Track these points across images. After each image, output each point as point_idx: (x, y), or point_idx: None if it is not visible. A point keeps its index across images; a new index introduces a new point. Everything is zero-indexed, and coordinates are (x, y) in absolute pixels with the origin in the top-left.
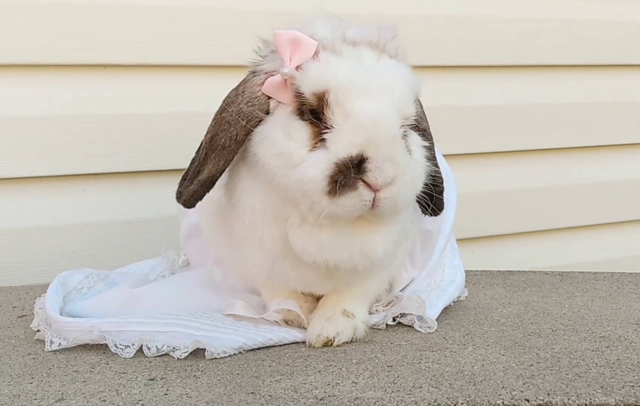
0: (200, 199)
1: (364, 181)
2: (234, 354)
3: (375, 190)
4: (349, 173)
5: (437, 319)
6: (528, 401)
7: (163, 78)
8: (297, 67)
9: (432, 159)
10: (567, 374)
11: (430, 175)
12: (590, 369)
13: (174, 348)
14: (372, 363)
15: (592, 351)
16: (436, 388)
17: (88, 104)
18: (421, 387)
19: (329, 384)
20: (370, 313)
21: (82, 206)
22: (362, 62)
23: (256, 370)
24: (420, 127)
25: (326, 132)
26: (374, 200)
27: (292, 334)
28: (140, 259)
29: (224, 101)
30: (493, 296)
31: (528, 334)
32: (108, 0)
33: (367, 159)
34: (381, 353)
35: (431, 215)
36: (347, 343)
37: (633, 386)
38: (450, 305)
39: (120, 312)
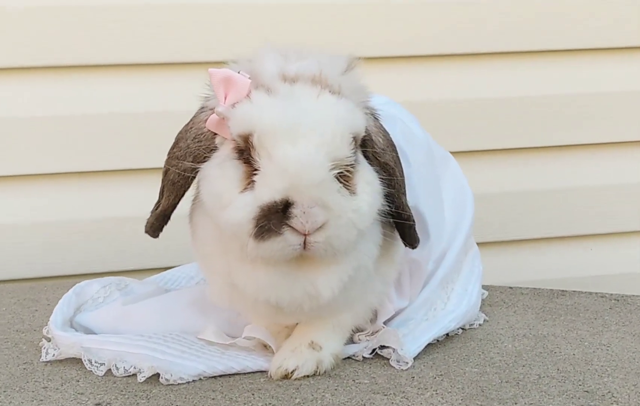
0: (159, 230)
1: (290, 226)
2: (192, 380)
3: (303, 234)
4: (274, 218)
5: (426, 350)
6: None
7: (170, 76)
8: (234, 106)
9: (394, 194)
10: None
11: (393, 210)
12: None
13: (139, 370)
14: (309, 405)
15: None
16: None
17: (110, 103)
18: None
19: None
20: (353, 342)
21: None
22: (297, 100)
23: (192, 400)
24: (381, 161)
25: (255, 174)
26: (305, 243)
27: (256, 364)
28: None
29: (176, 136)
30: (511, 324)
31: (506, 381)
32: (107, 2)
33: (292, 203)
34: (330, 394)
35: (409, 247)
36: (308, 376)
37: None
38: (456, 333)
39: (111, 328)
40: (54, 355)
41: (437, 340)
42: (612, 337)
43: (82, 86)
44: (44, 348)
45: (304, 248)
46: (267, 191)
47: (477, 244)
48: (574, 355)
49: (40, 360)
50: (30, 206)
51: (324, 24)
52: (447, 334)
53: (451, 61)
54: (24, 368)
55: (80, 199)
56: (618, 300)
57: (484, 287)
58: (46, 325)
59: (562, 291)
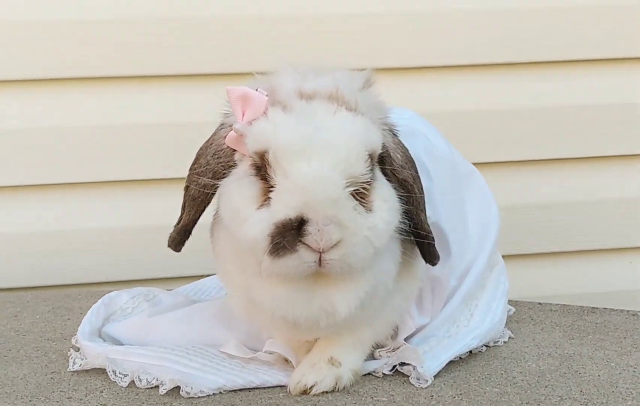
0: (181, 244)
1: (305, 243)
2: (212, 394)
3: (318, 252)
4: (289, 235)
5: (447, 368)
6: None
7: (185, 87)
8: (251, 123)
9: (412, 211)
10: None
11: (411, 228)
12: None
13: (161, 382)
14: None
15: None
16: None
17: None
18: None
19: None
20: (374, 358)
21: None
22: (313, 117)
23: None
24: (399, 178)
25: (271, 191)
26: (320, 261)
27: (276, 378)
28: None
29: (197, 152)
30: (537, 343)
31: (526, 402)
32: (130, 16)
33: (307, 221)
34: None
35: (429, 264)
36: (326, 392)
37: None
38: (479, 350)
39: (137, 339)
40: (80, 364)
41: (460, 357)
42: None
43: (114, 96)
44: (72, 357)
45: (319, 265)
46: (282, 208)
47: (511, 256)
48: (599, 376)
49: (68, 370)
50: (67, 214)
51: (345, 34)
52: (470, 352)
53: (478, 71)
54: (52, 378)
55: (112, 208)
56: None
57: (513, 302)
58: (75, 335)
59: (593, 308)
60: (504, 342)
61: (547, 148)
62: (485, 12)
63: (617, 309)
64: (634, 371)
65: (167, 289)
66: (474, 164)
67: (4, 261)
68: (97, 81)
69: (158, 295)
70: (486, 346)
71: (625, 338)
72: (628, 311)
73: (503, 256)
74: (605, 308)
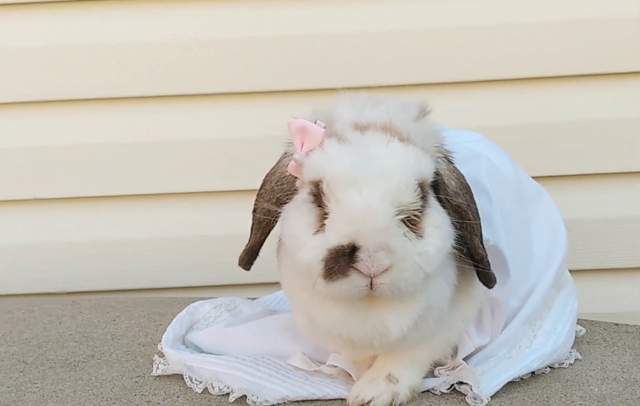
0: (250, 264)
1: (356, 269)
2: (276, 403)
3: (369, 277)
4: (342, 260)
5: (507, 389)
6: None
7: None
8: (309, 153)
9: (465, 236)
10: None
11: (465, 252)
12: None
13: (232, 390)
14: None
15: None
16: None
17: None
18: None
19: None
20: (434, 376)
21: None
22: (365, 149)
23: None
24: (453, 204)
25: (326, 218)
26: (372, 284)
27: (337, 391)
28: None
29: (264, 178)
30: (604, 366)
31: None
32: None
33: (359, 248)
34: None
35: (486, 287)
36: None
37: None
38: (543, 372)
39: (215, 347)
40: (162, 370)
41: (521, 378)
42: None
43: (178, 113)
44: (155, 363)
45: (371, 288)
46: (335, 235)
47: (597, 270)
48: None
49: (151, 374)
50: (160, 222)
51: (419, 49)
52: (533, 373)
53: (542, 84)
54: (136, 381)
55: (201, 218)
56: None
57: (588, 322)
58: (161, 342)
59: None
60: (570, 364)
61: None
62: (535, 25)
63: None
64: None
65: (249, 297)
66: (550, 177)
67: (108, 265)
68: (149, 99)
69: (239, 305)
70: (550, 367)
71: None
72: None
73: (582, 271)
74: None
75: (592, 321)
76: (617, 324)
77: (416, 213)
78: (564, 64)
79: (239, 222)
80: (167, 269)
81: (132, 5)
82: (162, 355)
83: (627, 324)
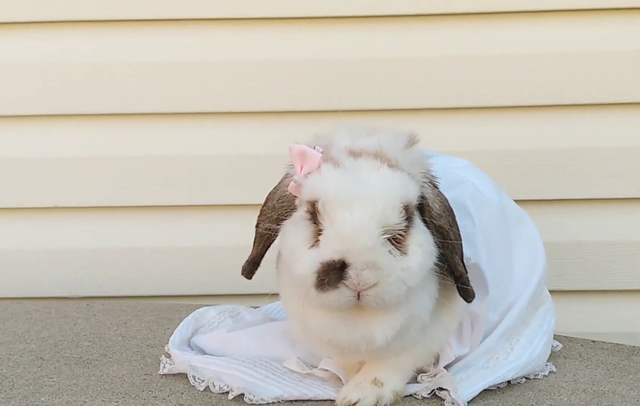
0: (252, 273)
1: (344, 283)
2: (271, 402)
3: (356, 290)
4: (333, 274)
5: (483, 396)
6: None
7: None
8: (307, 175)
9: (447, 255)
10: None
11: (443, 269)
12: None
13: (231, 389)
14: None
15: None
16: None
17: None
18: None
19: None
20: (417, 382)
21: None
22: (358, 173)
23: None
24: (436, 225)
25: (320, 234)
26: (359, 296)
27: (327, 393)
28: None
29: (267, 196)
30: (577, 378)
31: None
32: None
33: (349, 265)
34: None
35: (465, 301)
36: None
37: None
38: (518, 382)
39: (217, 350)
40: (169, 369)
41: (498, 387)
42: None
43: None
44: (162, 362)
45: (358, 299)
46: (328, 251)
47: (576, 292)
48: None
49: (158, 373)
50: (170, 233)
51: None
52: (509, 383)
53: (528, 112)
54: (144, 379)
55: (208, 230)
56: None
57: (565, 338)
58: (168, 344)
59: None
60: (544, 376)
61: (603, 187)
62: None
63: None
64: None
65: (251, 305)
66: (534, 200)
67: (121, 272)
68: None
69: (241, 312)
70: (526, 378)
71: None
72: None
73: (569, 292)
74: None
75: (571, 337)
76: (594, 341)
77: (401, 232)
78: (548, 95)
79: (242, 235)
80: (175, 277)
81: (146, 28)
82: (168, 356)
83: (604, 342)
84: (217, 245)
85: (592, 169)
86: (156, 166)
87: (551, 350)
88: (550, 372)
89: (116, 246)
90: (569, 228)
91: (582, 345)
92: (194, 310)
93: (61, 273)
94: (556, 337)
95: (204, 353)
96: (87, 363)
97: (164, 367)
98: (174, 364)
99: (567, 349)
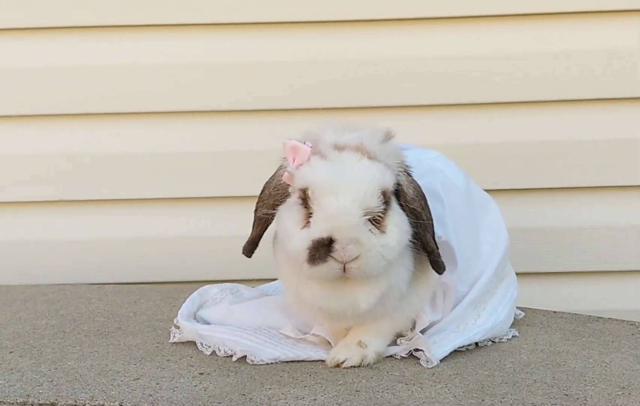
0: (251, 252)
1: (333, 257)
2: (269, 363)
3: (342, 263)
4: (322, 249)
5: (454, 356)
6: None
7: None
8: (298, 167)
9: (420, 233)
10: None
11: (418, 245)
12: None
13: (234, 352)
14: (348, 386)
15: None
16: None
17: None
18: None
19: (297, 397)
20: (396, 345)
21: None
22: (341, 164)
23: (268, 376)
24: (410, 208)
25: (311, 216)
26: (344, 268)
27: (318, 354)
28: None
29: (264, 184)
30: (536, 341)
31: (505, 382)
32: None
33: (335, 241)
34: (365, 380)
35: (436, 273)
36: (354, 366)
37: None
38: (485, 344)
39: (221, 321)
40: (178, 338)
41: (467, 349)
42: (616, 357)
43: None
44: (172, 332)
45: (344, 271)
46: (318, 230)
47: (538, 274)
48: (574, 368)
49: (169, 341)
50: (175, 224)
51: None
52: (477, 345)
53: (494, 108)
54: (156, 346)
55: (211, 220)
56: None
57: (531, 310)
58: (177, 316)
59: (599, 317)
60: (507, 339)
61: (563, 177)
62: (506, 58)
63: (620, 320)
64: (605, 366)
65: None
66: (505, 190)
67: (128, 260)
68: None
69: (240, 290)
70: (492, 341)
71: (613, 341)
72: (628, 321)
73: (534, 274)
74: (610, 318)
75: (534, 309)
76: (554, 312)
77: (380, 214)
78: (514, 92)
79: (241, 224)
80: (179, 264)
81: (147, 33)
82: (177, 327)
83: (563, 312)
84: (215, 234)
85: (559, 161)
86: (158, 162)
87: (514, 318)
88: (513, 336)
89: (121, 236)
90: (546, 215)
91: (543, 315)
92: (194, 290)
93: (72, 261)
94: (521, 308)
95: (209, 324)
96: (105, 334)
97: (173, 337)
98: (182, 333)
99: (529, 318)
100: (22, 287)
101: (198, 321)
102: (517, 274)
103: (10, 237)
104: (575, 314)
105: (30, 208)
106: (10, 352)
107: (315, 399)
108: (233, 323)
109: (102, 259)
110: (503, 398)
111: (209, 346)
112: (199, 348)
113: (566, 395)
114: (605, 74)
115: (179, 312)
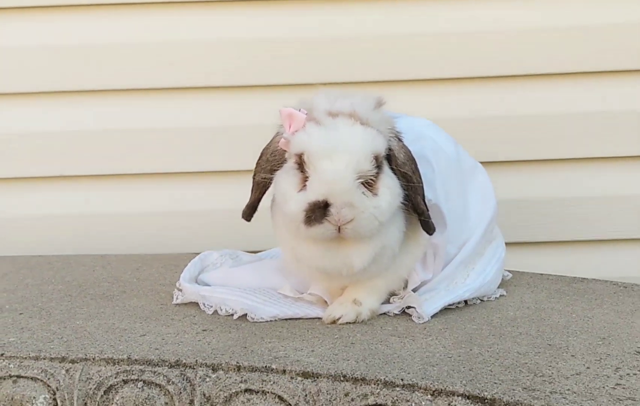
0: (250, 216)
1: (328, 219)
2: (269, 320)
3: (337, 225)
4: (318, 211)
5: (445, 312)
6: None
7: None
8: (294, 133)
9: (410, 196)
10: (494, 371)
11: (409, 208)
12: (516, 370)
13: (235, 311)
14: (344, 340)
15: (535, 354)
16: (357, 362)
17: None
18: (348, 360)
19: (296, 349)
20: (390, 303)
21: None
22: (335, 130)
23: (267, 332)
24: (401, 171)
25: (307, 180)
26: (340, 229)
27: (315, 312)
28: None
29: (262, 151)
30: (523, 300)
31: (492, 335)
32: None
33: (330, 204)
34: (360, 334)
35: (427, 234)
36: (350, 323)
37: (551, 394)
38: (474, 302)
39: (221, 282)
40: (181, 299)
41: (457, 306)
42: (599, 312)
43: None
44: (175, 295)
45: (339, 232)
46: (313, 193)
47: (526, 243)
48: (558, 322)
49: (172, 303)
50: (178, 198)
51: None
52: (466, 303)
53: (482, 83)
54: (161, 307)
55: (211, 194)
56: (626, 287)
57: (517, 272)
58: (179, 281)
59: (583, 278)
60: (495, 298)
61: (560, 148)
62: (504, 32)
63: (604, 280)
64: (588, 320)
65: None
66: (505, 162)
67: (130, 232)
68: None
69: (240, 255)
70: (480, 299)
71: (596, 299)
72: (611, 281)
73: (527, 242)
74: (593, 279)
75: (522, 271)
76: (541, 274)
77: (372, 177)
78: (500, 66)
79: (237, 198)
80: (179, 237)
81: (150, 9)
82: (180, 290)
83: (549, 274)
84: (215, 208)
85: (537, 134)
86: (158, 137)
87: (502, 278)
88: (500, 295)
89: (123, 210)
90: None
91: (530, 276)
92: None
93: (73, 234)
94: (509, 270)
95: (209, 286)
96: (110, 297)
97: (176, 298)
98: (185, 295)
99: (516, 279)
100: (27, 257)
101: (199, 284)
102: (514, 243)
103: (15, 211)
104: (561, 276)
105: (34, 183)
106: (20, 314)
107: (313, 350)
108: (233, 284)
109: (104, 233)
110: (490, 348)
111: (211, 306)
112: (201, 308)
113: (549, 344)
114: (605, 47)
115: (181, 275)
